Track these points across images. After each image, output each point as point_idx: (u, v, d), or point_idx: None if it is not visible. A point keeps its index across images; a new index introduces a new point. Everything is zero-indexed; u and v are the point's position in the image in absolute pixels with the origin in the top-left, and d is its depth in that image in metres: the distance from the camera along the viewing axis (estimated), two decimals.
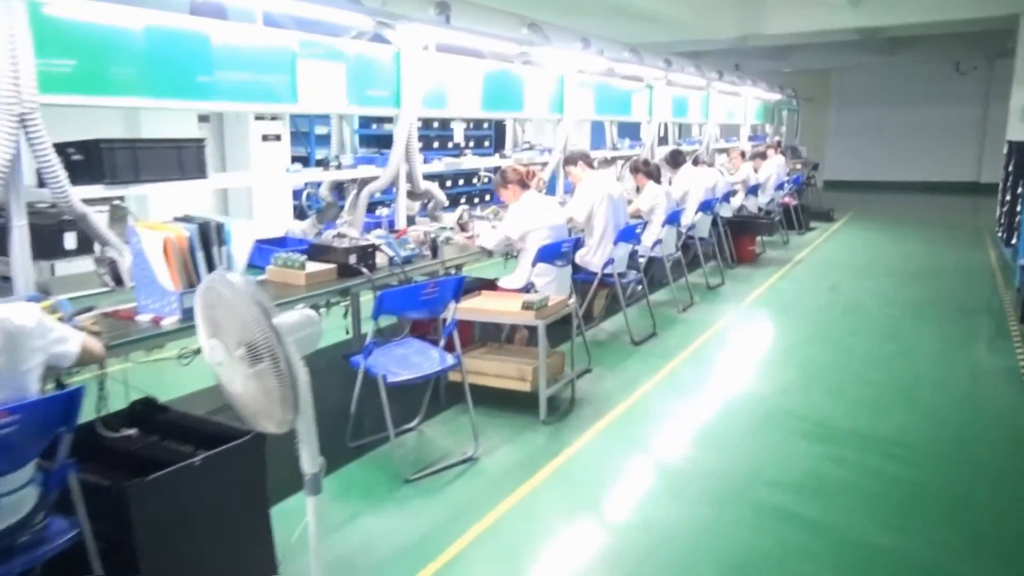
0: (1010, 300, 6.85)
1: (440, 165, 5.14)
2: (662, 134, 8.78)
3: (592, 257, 5.57)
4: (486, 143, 11.38)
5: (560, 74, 6.20)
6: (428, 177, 4.82)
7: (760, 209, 10.07)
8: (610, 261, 5.47)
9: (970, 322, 6.34)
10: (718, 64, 12.82)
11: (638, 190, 6.74)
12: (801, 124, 16.56)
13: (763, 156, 10.37)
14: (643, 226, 5.86)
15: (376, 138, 9.96)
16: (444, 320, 3.69)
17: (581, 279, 5.66)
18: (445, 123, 10.77)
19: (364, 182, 4.48)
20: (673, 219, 6.45)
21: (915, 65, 18.06)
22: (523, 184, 4.70)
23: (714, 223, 8.18)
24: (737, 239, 8.74)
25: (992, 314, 6.56)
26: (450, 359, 3.65)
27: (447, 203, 4.98)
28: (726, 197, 8.28)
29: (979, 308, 6.84)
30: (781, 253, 9.45)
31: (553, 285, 4.66)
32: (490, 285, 4.84)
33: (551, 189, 6.37)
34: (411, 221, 5.17)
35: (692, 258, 7.77)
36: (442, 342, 3.72)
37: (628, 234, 5.53)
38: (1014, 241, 8.46)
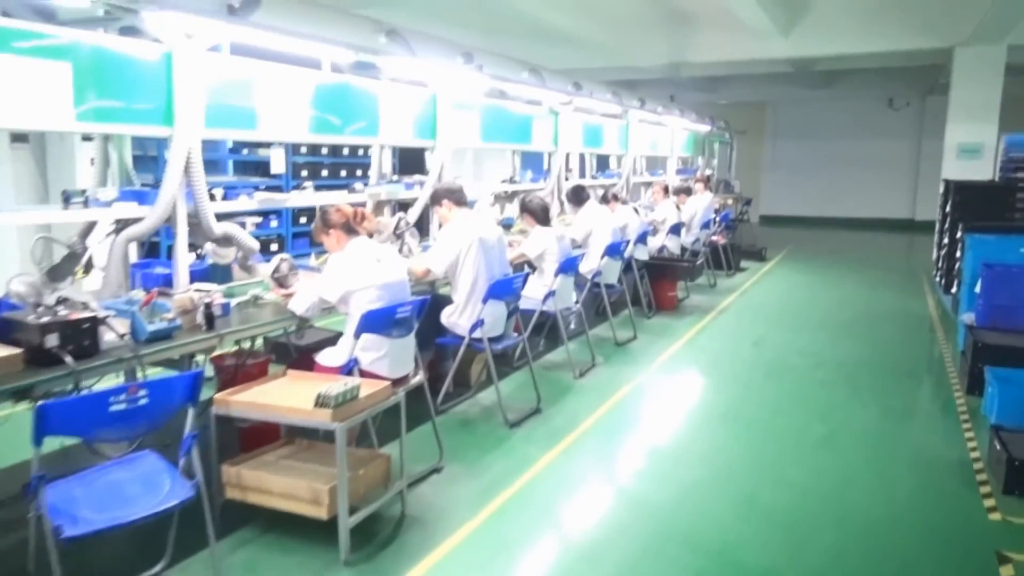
0: (952, 359, 6.02)
1: (251, 203, 4.02)
2: (570, 167, 7.83)
3: (458, 318, 4.51)
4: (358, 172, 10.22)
5: (432, 93, 5.17)
6: (240, 216, 3.72)
7: (684, 250, 9.20)
8: (479, 323, 4.41)
9: (910, 391, 5.45)
10: (653, 95, 12.08)
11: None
12: (736, 157, 15.96)
13: (688, 191, 9.53)
14: (523, 278, 4.80)
15: (255, 165, 8.80)
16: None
17: (448, 343, 4.60)
18: (354, 150, 9.68)
19: (125, 225, 3.33)
20: (569, 266, 5.43)
21: (849, 100, 17.72)
22: (349, 229, 3.61)
23: (628, 268, 7.24)
24: (656, 284, 7.80)
25: (934, 379, 5.70)
26: (187, 488, 2.51)
27: (257, 249, 3.86)
28: (642, 238, 7.34)
29: (919, 370, 5.99)
30: (706, 299, 8.55)
31: (385, 363, 3.56)
32: (305, 359, 3.72)
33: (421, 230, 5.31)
34: (224, 275, 4.04)
35: (600, 308, 6.81)
36: (180, 461, 2.58)
37: (502, 289, 4.48)
38: (953, 290, 7.73)
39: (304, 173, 9.71)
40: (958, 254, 7.57)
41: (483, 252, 4.45)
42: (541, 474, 3.85)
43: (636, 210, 7.49)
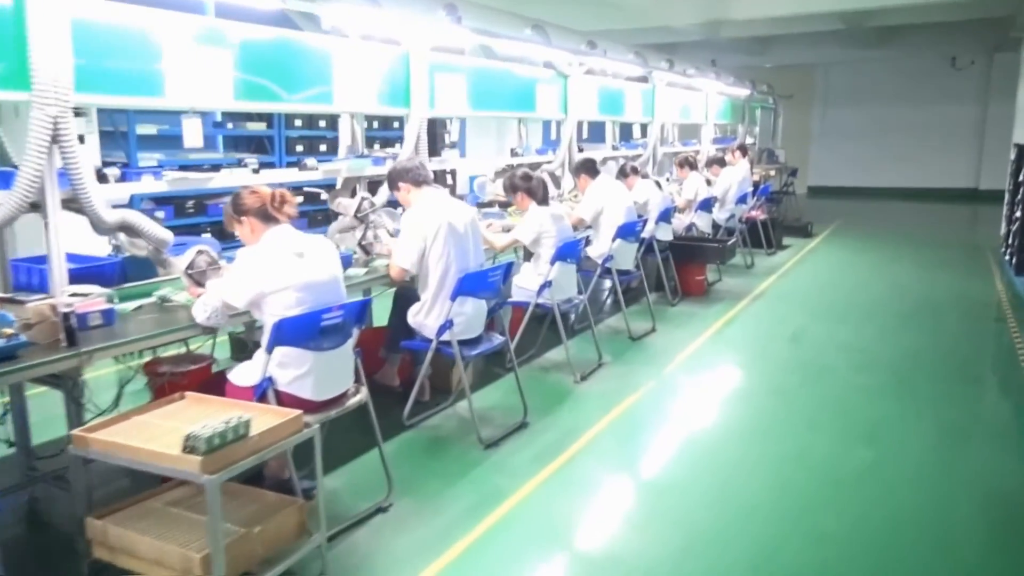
0: None
1: (159, 184, 3.34)
2: (585, 135, 7.03)
3: (425, 318, 3.79)
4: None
5: (404, 52, 4.42)
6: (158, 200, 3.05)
7: (718, 227, 8.31)
8: (447, 324, 3.70)
9: (977, 401, 4.57)
10: (692, 59, 11.11)
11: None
12: (783, 125, 14.83)
13: (721, 162, 8.61)
14: (503, 269, 4.01)
15: (247, 140, 8.18)
16: None
17: (415, 347, 3.90)
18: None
19: None
20: (568, 252, 4.66)
21: (907, 60, 16.32)
22: (265, 216, 2.90)
23: (650, 249, 6.43)
24: (682, 267, 6.96)
25: (1007, 384, 4.80)
26: None
27: (169, 240, 3.18)
28: (664, 215, 6.50)
29: (987, 373, 5.08)
30: (740, 282, 7.67)
31: (308, 382, 2.86)
32: (216, 379, 3.05)
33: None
34: (144, 270, 3.41)
35: (610, 298, 6.03)
36: None
37: (475, 283, 3.74)
38: None
39: (299, 148, 9.02)
40: None
41: (452, 240, 3.72)
42: (513, 513, 3.13)
43: (659, 184, 6.64)
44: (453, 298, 3.65)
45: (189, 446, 2.18)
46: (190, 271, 3.13)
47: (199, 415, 2.47)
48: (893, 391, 4.57)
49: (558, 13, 8.98)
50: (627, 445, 3.84)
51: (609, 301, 6.58)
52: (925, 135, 16.95)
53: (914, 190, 16.93)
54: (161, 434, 2.38)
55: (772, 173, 12.10)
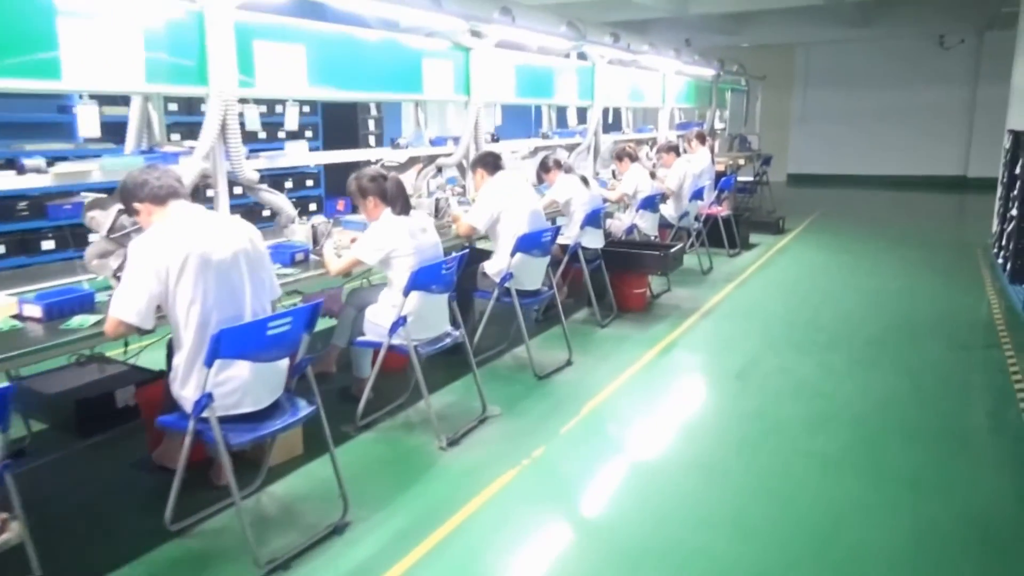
0: None
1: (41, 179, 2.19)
2: (499, 122, 5.89)
3: (182, 388, 2.66)
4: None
5: (198, 9, 3.24)
6: None
7: (671, 227, 7.20)
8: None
9: (968, 482, 3.42)
10: (665, 39, 9.96)
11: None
12: (760, 108, 13.70)
13: (674, 150, 7.47)
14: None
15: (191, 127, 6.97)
16: None
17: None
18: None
19: None
20: (427, 278, 3.52)
21: (892, 40, 15.17)
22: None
23: (575, 259, 5.33)
24: (618, 279, 5.86)
25: (1003, 454, 3.68)
26: None
27: None
28: (591, 219, 5.37)
29: (979, 434, 3.92)
30: (691, 293, 6.56)
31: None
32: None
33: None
34: None
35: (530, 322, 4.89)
36: None
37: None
38: None
39: (308, 134, 8.22)
40: None
41: (207, 276, 2.57)
42: None
43: (585, 180, 5.50)
44: (210, 362, 2.51)
45: None
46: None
47: None
48: (856, 463, 3.45)
49: None
50: (473, 562, 2.72)
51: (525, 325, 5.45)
52: (911, 119, 15.86)
53: (899, 178, 15.87)
54: None
55: (742, 162, 10.98)
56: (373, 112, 9.07)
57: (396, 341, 3.52)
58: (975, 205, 12.28)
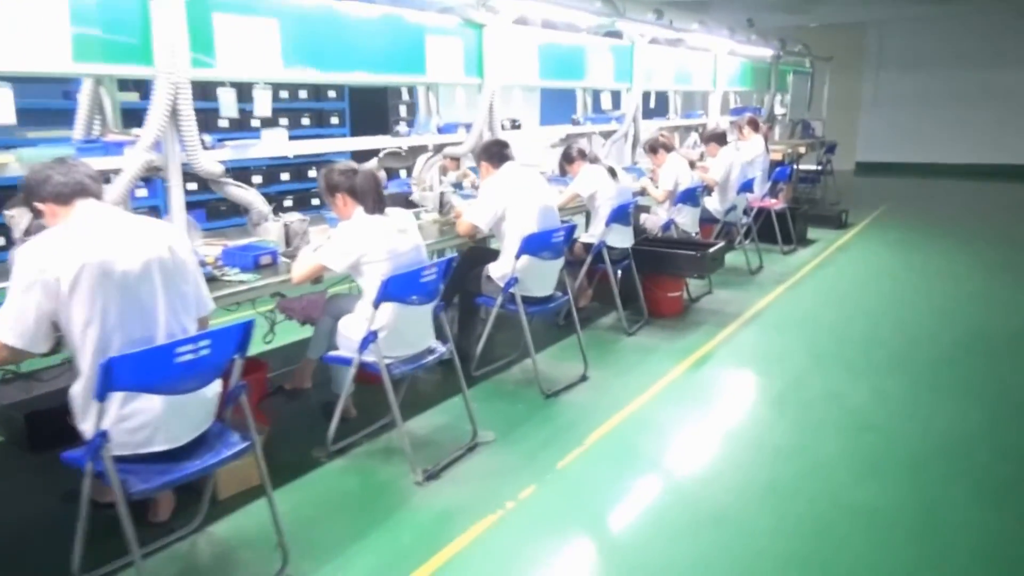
0: None
1: None
2: (527, 107, 5.37)
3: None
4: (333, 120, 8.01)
5: None
6: None
7: (717, 222, 6.58)
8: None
9: None
10: (726, 18, 9.26)
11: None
12: (828, 92, 12.76)
13: (720, 139, 6.81)
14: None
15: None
16: None
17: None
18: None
19: None
20: (402, 288, 3.05)
21: (973, 16, 13.94)
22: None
23: (599, 259, 4.81)
24: (651, 281, 5.29)
25: None
26: None
27: None
28: (619, 214, 4.81)
29: None
30: (735, 295, 5.93)
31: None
32: None
33: None
34: None
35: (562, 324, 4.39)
36: None
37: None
38: None
39: (335, 120, 7.95)
40: None
41: (108, 291, 2.15)
42: None
43: (613, 172, 4.93)
44: (101, 395, 2.09)
45: None
46: None
47: None
48: (911, 524, 2.84)
49: None
50: None
51: (547, 329, 4.95)
52: (994, 103, 14.59)
53: (979, 167, 14.66)
54: None
55: (802, 150, 10.16)
56: (405, 97, 8.62)
57: (368, 358, 3.07)
58: None
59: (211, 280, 2.89)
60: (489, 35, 4.61)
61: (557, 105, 9.25)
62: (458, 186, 4.89)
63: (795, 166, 10.37)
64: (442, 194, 4.36)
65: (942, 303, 5.82)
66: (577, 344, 4.32)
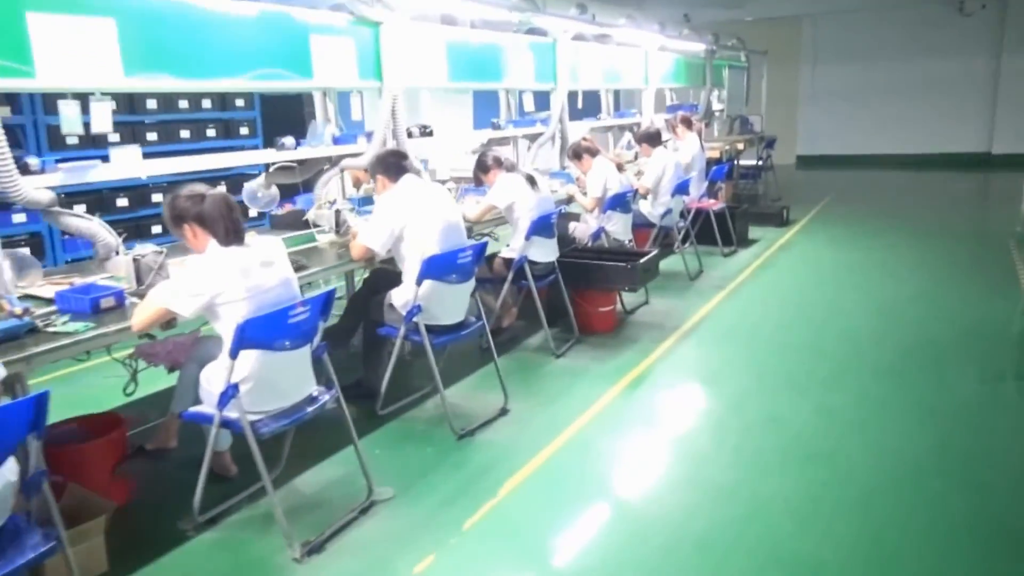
0: None
1: None
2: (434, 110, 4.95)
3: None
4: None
5: None
6: None
7: (652, 227, 6.23)
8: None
9: None
10: (663, 15, 8.97)
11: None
12: (766, 87, 12.60)
13: (654, 139, 6.46)
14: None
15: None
16: None
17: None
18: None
19: None
20: (266, 331, 2.58)
21: (906, 8, 13.99)
22: None
23: (521, 275, 4.41)
24: (580, 295, 4.91)
25: None
26: None
27: None
28: (541, 224, 4.41)
29: None
30: (673, 304, 5.59)
31: None
32: None
33: None
34: None
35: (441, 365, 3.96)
36: None
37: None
38: None
39: (244, 131, 7.27)
40: None
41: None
42: None
43: (531, 180, 4.52)
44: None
45: None
46: None
47: None
48: None
49: None
50: None
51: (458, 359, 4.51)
52: (929, 94, 14.65)
53: (917, 157, 14.70)
54: None
55: (741, 146, 9.94)
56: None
57: (230, 414, 2.60)
58: (1002, 186, 11.16)
59: (31, 332, 2.40)
60: (387, 34, 4.16)
61: (493, 108, 8.86)
62: (364, 201, 4.43)
63: (735, 162, 10.15)
64: (338, 212, 3.90)
65: (886, 304, 5.56)
66: (505, 369, 3.90)
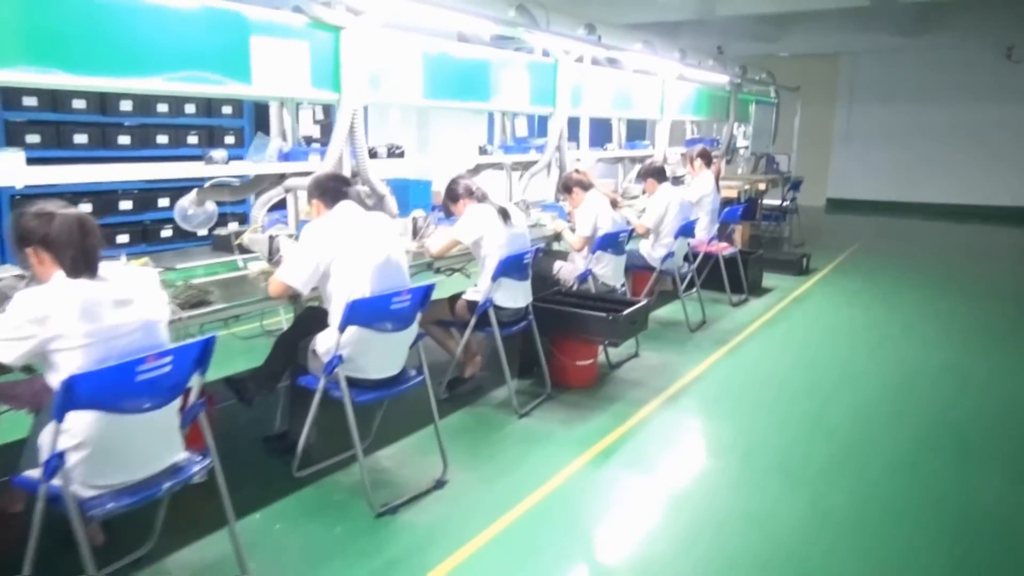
0: None
1: None
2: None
3: None
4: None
5: None
6: None
7: (650, 270, 5.69)
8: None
9: None
10: (695, 46, 8.50)
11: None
12: (799, 125, 11.99)
13: (659, 175, 5.91)
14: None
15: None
16: None
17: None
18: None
19: None
20: (110, 388, 2.08)
21: (950, 50, 13.30)
22: None
23: (485, 323, 3.89)
24: (558, 346, 4.37)
25: None
26: None
27: None
28: (510, 266, 3.88)
29: None
30: (664, 360, 5.01)
31: None
32: None
33: None
34: None
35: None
36: None
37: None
38: None
39: (230, 140, 6.90)
40: None
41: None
42: None
43: (504, 214, 4.00)
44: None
45: None
46: None
47: None
48: None
49: None
50: None
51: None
52: (972, 141, 13.94)
53: (954, 207, 13.98)
54: None
55: (763, 186, 9.34)
56: (320, 115, 7.67)
57: (57, 483, 2.09)
58: None
59: None
60: (348, 41, 3.69)
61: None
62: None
63: (759, 202, 9.56)
64: (271, 238, 3.41)
65: (906, 376, 4.92)
66: (459, 427, 3.37)
